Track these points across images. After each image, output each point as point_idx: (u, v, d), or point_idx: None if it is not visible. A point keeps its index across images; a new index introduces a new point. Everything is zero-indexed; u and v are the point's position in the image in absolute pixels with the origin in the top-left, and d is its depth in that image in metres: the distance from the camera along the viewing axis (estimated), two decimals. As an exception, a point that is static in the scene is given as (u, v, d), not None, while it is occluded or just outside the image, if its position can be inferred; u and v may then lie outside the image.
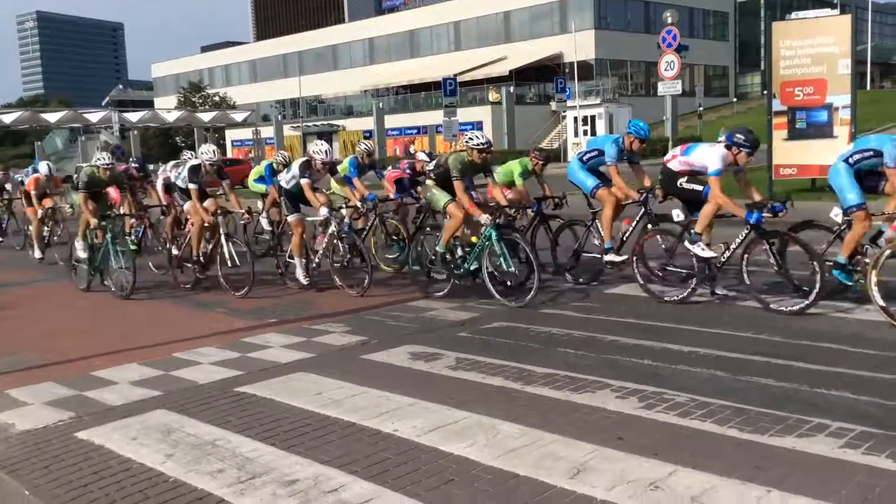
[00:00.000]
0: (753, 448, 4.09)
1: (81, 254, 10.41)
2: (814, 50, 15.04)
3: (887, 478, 3.67)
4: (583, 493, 3.66)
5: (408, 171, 11.53)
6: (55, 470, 4.31)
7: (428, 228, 9.93)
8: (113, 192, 11.42)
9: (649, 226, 8.32)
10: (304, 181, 9.31)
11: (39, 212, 13.35)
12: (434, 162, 9.14)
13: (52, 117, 59.38)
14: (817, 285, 6.83)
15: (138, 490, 3.98)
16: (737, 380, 5.25)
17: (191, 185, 9.71)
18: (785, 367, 5.48)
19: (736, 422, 4.44)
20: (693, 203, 7.81)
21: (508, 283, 8.30)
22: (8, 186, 17.12)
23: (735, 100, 63.41)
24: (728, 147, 7.47)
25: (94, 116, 59.00)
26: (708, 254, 7.53)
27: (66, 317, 8.96)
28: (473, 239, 8.47)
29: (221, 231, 9.53)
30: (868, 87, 56.22)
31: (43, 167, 13.74)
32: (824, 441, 4.11)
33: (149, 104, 78.68)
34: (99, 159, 10.35)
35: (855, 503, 3.44)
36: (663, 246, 8.20)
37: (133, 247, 11.18)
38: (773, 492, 3.56)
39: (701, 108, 51.56)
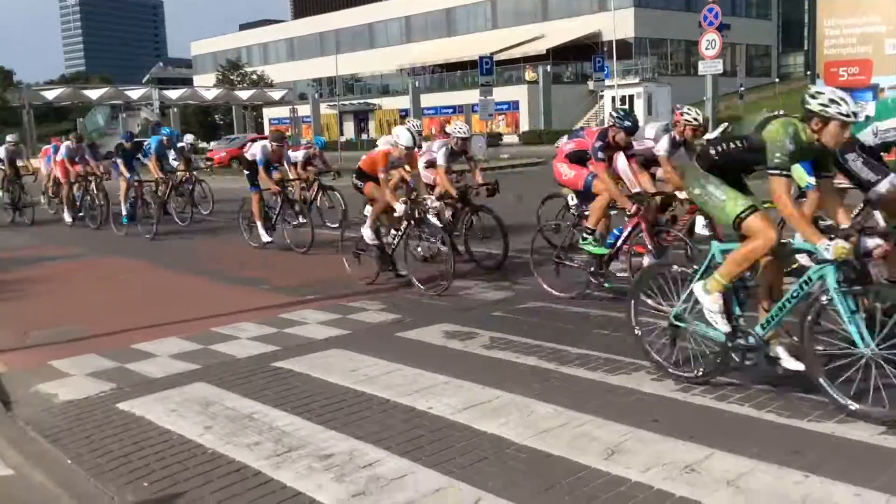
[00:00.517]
0: (791, 433, 4.04)
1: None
2: (860, 29, 14.69)
3: (929, 465, 3.60)
4: (617, 474, 3.65)
5: None
6: (96, 440, 4.41)
7: None
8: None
9: None
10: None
11: (398, 207, 8.15)
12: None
13: (93, 94, 60.15)
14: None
15: (177, 461, 4.05)
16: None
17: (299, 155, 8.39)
18: (825, 351, 5.39)
19: (774, 406, 4.39)
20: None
21: None
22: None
23: (777, 80, 62.19)
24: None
25: (134, 93, 59.66)
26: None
27: (108, 290, 9.13)
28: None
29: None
30: (915, 68, 54.83)
31: (403, 135, 8.40)
32: (864, 427, 4.04)
33: (188, 82, 79.31)
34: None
35: (895, 490, 3.39)
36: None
37: None
38: (811, 477, 3.52)
39: (742, 89, 50.65)
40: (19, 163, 16.81)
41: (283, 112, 63.77)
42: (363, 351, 5.91)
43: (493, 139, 41.38)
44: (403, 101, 58.24)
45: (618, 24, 46.87)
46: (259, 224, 11.29)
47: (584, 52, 53.51)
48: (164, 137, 15.35)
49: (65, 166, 15.49)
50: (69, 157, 15.35)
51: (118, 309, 7.93)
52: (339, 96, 56.12)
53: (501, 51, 53.24)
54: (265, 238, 11.19)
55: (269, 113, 69.60)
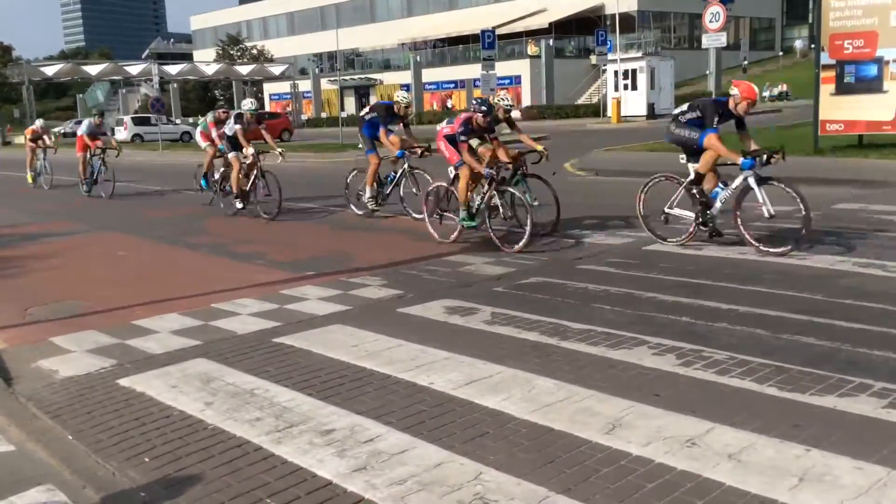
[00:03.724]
0: (793, 407, 4.03)
1: None
2: (865, 1, 14.53)
3: (931, 439, 3.59)
4: (618, 448, 3.65)
5: None
6: (97, 416, 4.41)
7: None
8: None
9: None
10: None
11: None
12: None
13: (93, 70, 59.93)
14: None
15: (178, 437, 4.05)
16: (777, 338, 5.17)
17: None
18: (827, 325, 5.38)
19: (776, 380, 4.38)
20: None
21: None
22: None
23: (781, 53, 61.77)
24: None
25: (134, 69, 59.42)
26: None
27: (108, 267, 9.11)
28: None
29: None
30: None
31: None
32: (866, 401, 4.04)
33: (188, 57, 78.87)
34: None
35: (896, 464, 3.38)
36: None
37: None
38: (812, 451, 3.52)
39: (745, 62, 50.35)
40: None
41: (283, 87, 63.54)
42: (364, 326, 5.90)
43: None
44: (405, 76, 57.95)
45: (621, -3, 46.43)
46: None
47: (586, 25, 53.12)
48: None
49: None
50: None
51: (118, 285, 7.92)
52: (340, 71, 55.76)
53: (503, 24, 52.84)
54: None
55: (269, 88, 69.29)
